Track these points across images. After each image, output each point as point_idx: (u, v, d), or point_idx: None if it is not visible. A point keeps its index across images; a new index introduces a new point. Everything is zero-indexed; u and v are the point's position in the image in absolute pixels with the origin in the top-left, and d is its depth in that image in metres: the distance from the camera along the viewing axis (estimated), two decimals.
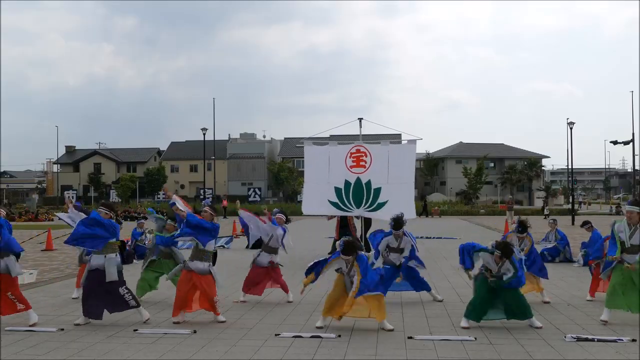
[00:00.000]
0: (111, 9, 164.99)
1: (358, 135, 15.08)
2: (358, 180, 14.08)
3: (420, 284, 8.92)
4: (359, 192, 14.02)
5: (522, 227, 9.04)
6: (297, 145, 70.29)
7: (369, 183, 14.02)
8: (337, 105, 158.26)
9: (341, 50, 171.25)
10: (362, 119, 15.21)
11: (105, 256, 7.34)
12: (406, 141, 14.81)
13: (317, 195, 14.40)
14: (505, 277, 7.05)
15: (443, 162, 69.77)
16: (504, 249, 7.12)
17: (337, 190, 14.13)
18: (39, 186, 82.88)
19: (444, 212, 46.40)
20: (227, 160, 68.75)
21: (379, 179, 14.01)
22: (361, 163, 14.22)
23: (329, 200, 14.12)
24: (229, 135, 74.56)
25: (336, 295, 7.18)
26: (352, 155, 14.31)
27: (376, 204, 13.77)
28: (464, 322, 7.12)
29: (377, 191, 13.92)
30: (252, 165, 69.18)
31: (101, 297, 7.36)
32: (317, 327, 7.06)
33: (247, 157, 69.42)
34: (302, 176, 65.20)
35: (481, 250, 7.36)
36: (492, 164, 67.83)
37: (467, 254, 7.47)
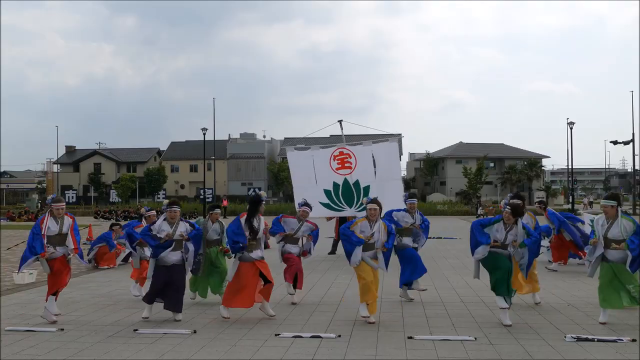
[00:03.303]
0: (111, 9, 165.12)
1: (350, 135, 15.19)
2: (345, 181, 14.25)
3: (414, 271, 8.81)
4: (349, 192, 14.16)
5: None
6: (298, 145, 70.46)
7: (357, 183, 14.16)
8: (338, 104, 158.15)
9: (342, 50, 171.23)
10: (341, 120, 15.40)
11: (181, 252, 7.61)
12: (387, 140, 14.87)
13: (307, 198, 14.48)
14: (516, 246, 7.01)
15: (443, 162, 69.76)
16: (514, 207, 7.08)
17: (327, 192, 14.28)
18: (39, 186, 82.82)
19: (444, 212, 46.41)
20: (227, 160, 68.76)
21: (366, 178, 14.16)
22: (346, 164, 14.36)
23: (320, 202, 14.21)
24: (229, 135, 74.61)
25: (371, 278, 7.31)
26: (336, 157, 14.45)
27: None
28: (501, 303, 7.13)
29: (367, 189, 14.05)
30: (252, 165, 69.19)
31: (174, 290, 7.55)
32: (364, 316, 7.21)
33: (247, 157, 69.42)
34: None
35: (492, 222, 7.24)
36: (492, 164, 67.81)
37: (479, 231, 7.22)
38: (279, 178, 62.65)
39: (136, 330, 7.00)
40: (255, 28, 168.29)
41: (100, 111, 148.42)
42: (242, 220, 7.58)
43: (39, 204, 49.10)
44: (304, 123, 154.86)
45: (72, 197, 66.74)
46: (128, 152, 76.08)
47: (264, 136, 74.77)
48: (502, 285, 7.11)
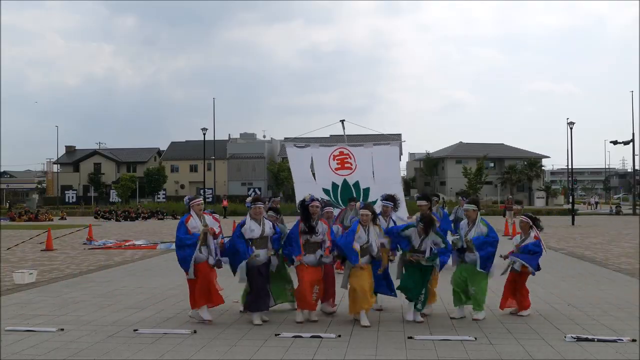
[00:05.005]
0: (111, 9, 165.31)
1: (343, 135, 15.08)
2: (345, 182, 14.13)
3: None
4: (348, 193, 14.07)
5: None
6: (297, 142, 70.31)
7: (357, 184, 14.08)
8: (338, 104, 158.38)
9: (342, 50, 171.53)
10: (344, 120, 15.27)
11: (267, 249, 7.47)
12: (389, 143, 14.84)
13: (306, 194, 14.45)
14: (429, 254, 7.25)
15: (443, 162, 69.78)
16: (426, 220, 7.28)
17: (326, 192, 14.17)
18: (39, 186, 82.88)
19: None
20: (227, 160, 68.77)
21: (366, 180, 14.07)
22: (346, 165, 14.25)
23: None
24: (229, 135, 74.66)
25: (368, 284, 7.25)
26: (336, 157, 14.33)
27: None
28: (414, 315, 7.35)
29: (366, 191, 13.99)
30: (252, 165, 69.18)
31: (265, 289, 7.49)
32: (365, 325, 7.09)
33: (247, 157, 69.42)
34: None
35: (406, 228, 7.52)
36: (492, 164, 67.82)
37: (395, 236, 7.59)
38: (279, 178, 62.63)
39: (136, 330, 6.99)
40: (255, 28, 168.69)
41: (100, 111, 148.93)
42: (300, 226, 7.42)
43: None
44: (304, 123, 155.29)
45: (72, 197, 66.78)
46: (128, 152, 76.08)
47: (264, 136, 74.86)
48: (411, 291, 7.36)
